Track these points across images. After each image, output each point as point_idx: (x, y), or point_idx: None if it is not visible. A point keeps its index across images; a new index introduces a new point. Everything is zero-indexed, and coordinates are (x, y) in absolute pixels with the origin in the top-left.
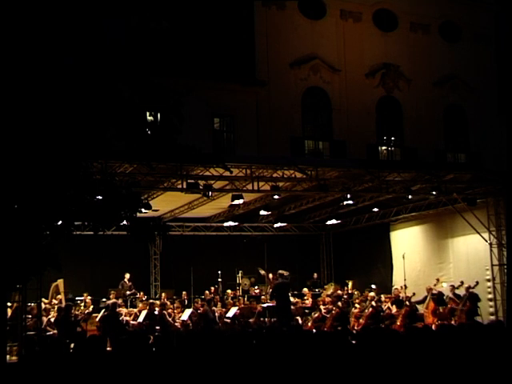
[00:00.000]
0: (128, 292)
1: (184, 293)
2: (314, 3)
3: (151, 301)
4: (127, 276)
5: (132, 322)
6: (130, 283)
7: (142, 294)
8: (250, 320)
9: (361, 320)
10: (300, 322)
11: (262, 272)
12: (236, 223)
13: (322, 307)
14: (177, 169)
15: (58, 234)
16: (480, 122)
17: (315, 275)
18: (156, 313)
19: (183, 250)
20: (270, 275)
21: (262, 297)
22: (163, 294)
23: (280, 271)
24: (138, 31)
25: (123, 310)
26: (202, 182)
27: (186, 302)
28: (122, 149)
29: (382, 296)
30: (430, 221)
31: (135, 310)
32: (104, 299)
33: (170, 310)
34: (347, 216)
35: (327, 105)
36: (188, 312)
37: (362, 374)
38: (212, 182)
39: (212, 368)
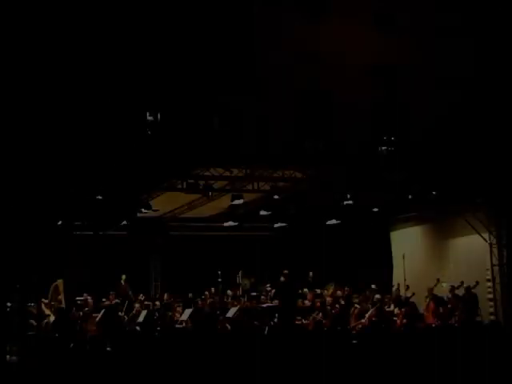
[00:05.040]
0: (130, 292)
1: (190, 294)
2: (314, 3)
3: (151, 302)
4: (123, 277)
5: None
6: (127, 284)
7: (141, 294)
8: (250, 320)
9: (362, 320)
10: (301, 322)
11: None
12: (236, 223)
13: (321, 307)
14: (177, 169)
15: (58, 234)
16: (481, 122)
17: (310, 274)
18: (156, 313)
19: (183, 250)
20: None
21: (262, 297)
22: (166, 295)
23: (284, 271)
24: (138, 30)
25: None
26: (201, 182)
27: (188, 302)
28: (123, 149)
29: (378, 295)
30: (430, 221)
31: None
32: (104, 299)
33: (169, 313)
34: (347, 216)
35: (327, 105)
36: (188, 312)
37: (362, 373)
38: (212, 182)
39: (212, 367)
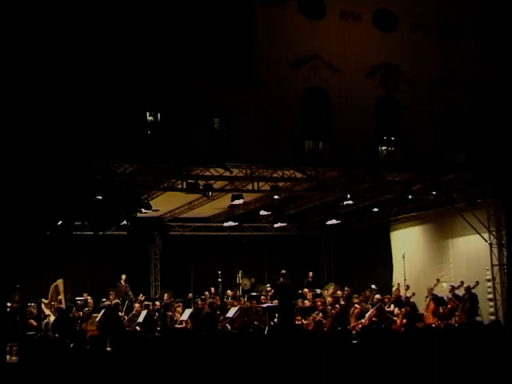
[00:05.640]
0: (130, 292)
1: (190, 294)
2: (314, 3)
3: (151, 302)
4: (123, 277)
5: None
6: (127, 284)
7: (141, 294)
8: (250, 320)
9: (362, 320)
10: (301, 322)
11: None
12: (236, 223)
13: (321, 307)
14: (177, 169)
15: (58, 234)
16: (480, 121)
17: (310, 274)
18: (156, 313)
19: (183, 250)
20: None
21: (262, 297)
22: (166, 295)
23: (282, 271)
24: (138, 31)
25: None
26: (201, 182)
27: (187, 302)
28: (122, 149)
29: (378, 295)
30: (430, 221)
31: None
32: (104, 299)
33: (169, 313)
34: (347, 216)
35: (327, 105)
36: (188, 312)
37: (362, 373)
38: (212, 182)
39: (212, 368)
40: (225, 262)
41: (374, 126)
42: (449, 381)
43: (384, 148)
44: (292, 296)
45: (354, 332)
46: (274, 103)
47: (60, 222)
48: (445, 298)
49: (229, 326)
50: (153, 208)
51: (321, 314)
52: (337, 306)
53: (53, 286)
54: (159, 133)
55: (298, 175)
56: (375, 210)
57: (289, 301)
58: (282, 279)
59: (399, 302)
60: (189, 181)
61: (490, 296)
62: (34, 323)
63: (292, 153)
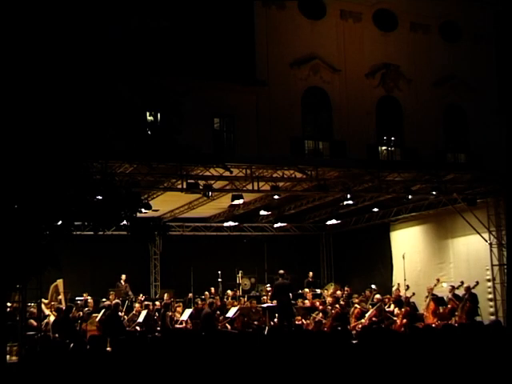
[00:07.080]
0: (130, 292)
1: (190, 294)
2: (314, 3)
3: (151, 302)
4: (123, 277)
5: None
6: (127, 284)
7: (141, 294)
8: (250, 320)
9: (362, 320)
10: (301, 322)
11: None
12: (236, 223)
13: (320, 307)
14: (177, 169)
15: (58, 234)
16: (480, 121)
17: (310, 274)
18: (156, 313)
19: (183, 250)
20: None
21: (262, 297)
22: (166, 295)
23: (280, 271)
24: (138, 31)
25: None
26: (202, 182)
27: (187, 302)
28: (122, 149)
29: (378, 295)
30: (430, 221)
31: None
32: (104, 299)
33: (169, 313)
34: (347, 216)
35: (327, 105)
36: (188, 312)
37: (362, 374)
38: (212, 181)
39: (212, 368)
40: (225, 262)
41: (374, 126)
42: (449, 381)
43: (384, 148)
44: (290, 296)
45: (354, 332)
46: (274, 103)
47: (60, 222)
48: (445, 298)
49: (229, 326)
50: (153, 208)
51: (321, 314)
52: (337, 305)
53: (53, 285)
54: (159, 133)
55: (298, 175)
56: (375, 210)
57: (287, 300)
58: (279, 279)
59: (399, 301)
60: (189, 181)
61: (490, 296)
62: (34, 323)
63: (292, 153)
